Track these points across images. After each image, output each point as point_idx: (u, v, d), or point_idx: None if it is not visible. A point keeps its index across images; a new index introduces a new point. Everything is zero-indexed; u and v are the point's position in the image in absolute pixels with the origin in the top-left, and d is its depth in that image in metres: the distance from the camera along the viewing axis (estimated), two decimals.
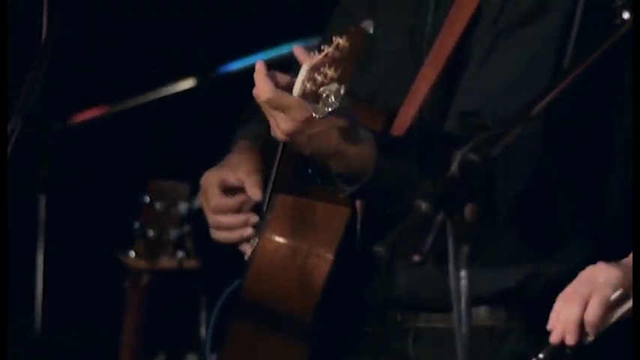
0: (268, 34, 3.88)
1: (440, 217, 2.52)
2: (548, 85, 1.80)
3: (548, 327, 2.04)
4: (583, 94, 2.21)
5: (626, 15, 1.78)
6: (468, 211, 2.45)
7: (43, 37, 2.18)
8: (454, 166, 2.28)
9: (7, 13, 2.81)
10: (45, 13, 2.13)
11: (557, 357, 2.03)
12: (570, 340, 1.98)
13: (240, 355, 2.47)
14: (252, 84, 2.12)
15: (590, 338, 1.99)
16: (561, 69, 2.30)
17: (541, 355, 2.08)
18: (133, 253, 3.49)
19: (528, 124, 1.82)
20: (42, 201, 3.90)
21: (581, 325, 1.98)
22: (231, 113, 2.73)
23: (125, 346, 3.45)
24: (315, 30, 3.03)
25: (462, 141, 1.78)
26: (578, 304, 1.97)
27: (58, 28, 2.16)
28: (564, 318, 1.99)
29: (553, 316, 2.03)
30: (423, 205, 2.28)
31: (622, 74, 2.27)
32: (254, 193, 2.44)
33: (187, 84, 4.01)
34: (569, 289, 2.04)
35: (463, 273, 2.84)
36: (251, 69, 2.13)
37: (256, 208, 2.45)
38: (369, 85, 2.46)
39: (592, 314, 1.96)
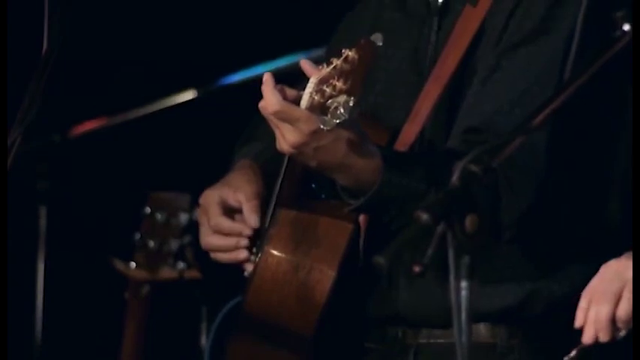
0: (269, 46, 3.88)
1: (440, 228, 2.52)
2: (550, 97, 1.80)
3: (577, 325, 2.02)
4: (585, 108, 2.21)
5: (626, 27, 1.78)
6: (469, 222, 2.45)
7: (44, 49, 2.18)
8: (455, 177, 2.28)
9: (7, 25, 2.82)
10: (45, 25, 2.14)
11: (587, 355, 2.03)
12: (604, 337, 1.97)
13: None
14: (253, 95, 2.12)
15: (622, 334, 1.98)
16: (564, 71, 2.31)
17: (572, 354, 2.07)
18: (133, 264, 3.48)
19: (528, 136, 1.82)
20: (42, 212, 3.90)
21: (613, 321, 1.97)
22: (231, 125, 2.73)
23: (126, 357, 3.45)
24: (315, 42, 3.04)
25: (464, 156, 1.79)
26: (609, 302, 1.96)
27: (59, 41, 2.16)
28: (595, 316, 1.97)
29: (580, 314, 2.01)
30: (424, 216, 2.28)
31: (623, 87, 2.27)
32: (252, 219, 2.44)
33: (188, 95, 4.01)
34: (596, 286, 2.02)
35: (464, 284, 2.84)
36: (251, 81, 2.14)
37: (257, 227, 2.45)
38: (370, 102, 2.47)
39: (626, 310, 1.95)
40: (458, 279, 2.81)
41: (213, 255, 2.59)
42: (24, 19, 3.12)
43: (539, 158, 2.26)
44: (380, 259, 2.09)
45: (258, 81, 2.06)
